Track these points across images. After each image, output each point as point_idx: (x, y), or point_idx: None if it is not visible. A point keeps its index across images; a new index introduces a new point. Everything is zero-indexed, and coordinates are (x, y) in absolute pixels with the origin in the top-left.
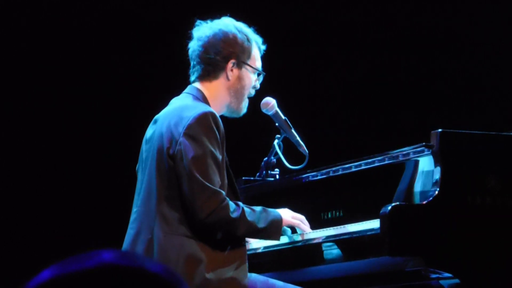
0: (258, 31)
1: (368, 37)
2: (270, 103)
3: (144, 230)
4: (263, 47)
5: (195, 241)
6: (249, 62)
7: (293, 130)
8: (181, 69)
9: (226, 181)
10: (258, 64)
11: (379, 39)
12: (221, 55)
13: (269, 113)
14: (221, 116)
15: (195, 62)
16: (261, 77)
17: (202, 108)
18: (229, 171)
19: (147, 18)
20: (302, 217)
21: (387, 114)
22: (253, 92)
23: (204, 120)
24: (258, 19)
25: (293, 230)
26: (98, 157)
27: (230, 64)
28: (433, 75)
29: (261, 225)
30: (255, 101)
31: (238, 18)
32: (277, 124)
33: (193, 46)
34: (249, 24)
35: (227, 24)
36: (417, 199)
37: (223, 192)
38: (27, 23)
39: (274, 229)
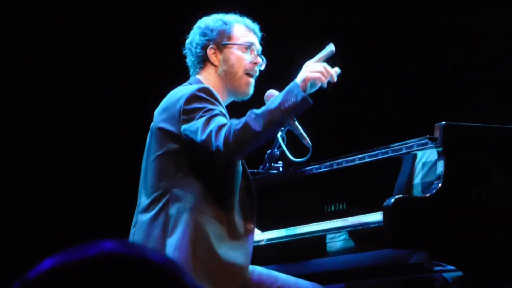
0: (261, 23)
1: (372, 30)
2: (273, 95)
3: (159, 214)
4: (253, 25)
5: (205, 216)
6: (230, 42)
7: (296, 123)
8: (183, 66)
9: None
10: (245, 39)
11: (383, 32)
12: (199, 47)
13: None
14: (231, 104)
15: (189, 64)
16: (255, 51)
17: (196, 85)
18: (245, 170)
19: (158, 11)
20: (320, 67)
21: (391, 107)
22: (253, 68)
23: (198, 93)
24: (261, 13)
25: (297, 223)
26: (101, 152)
27: (210, 51)
28: (436, 67)
29: (275, 104)
30: (259, 94)
31: (241, 13)
32: None
33: (186, 53)
34: (253, 16)
35: (202, 20)
36: (420, 192)
37: (225, 123)
38: (27, 23)
39: (292, 95)
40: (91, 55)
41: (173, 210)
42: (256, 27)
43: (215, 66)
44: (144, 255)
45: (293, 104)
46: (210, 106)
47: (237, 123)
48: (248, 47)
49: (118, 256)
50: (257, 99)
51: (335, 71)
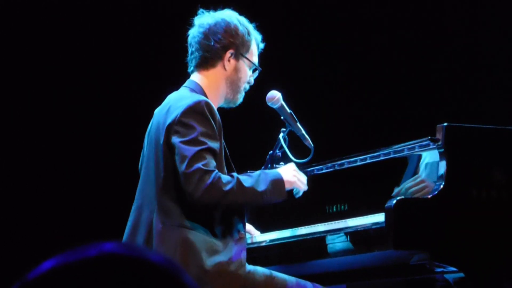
0: (263, 24)
1: (374, 31)
2: (275, 97)
3: (143, 222)
4: (262, 45)
5: (194, 232)
6: (247, 56)
7: (298, 124)
8: (181, 66)
9: (225, 170)
10: (255, 59)
11: (385, 32)
12: (221, 44)
13: (275, 107)
14: (225, 109)
15: (193, 49)
16: (256, 73)
17: (196, 97)
18: (230, 162)
19: (150, 11)
20: (304, 178)
21: (393, 108)
22: (247, 87)
23: (197, 108)
24: (263, 12)
25: (298, 224)
26: (101, 152)
27: (228, 54)
28: (438, 68)
29: (261, 188)
30: (260, 94)
31: (243, 11)
32: (282, 117)
33: (194, 33)
34: (255, 16)
35: (230, 15)
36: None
37: (213, 170)
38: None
39: (276, 189)
40: (90, 54)
41: (158, 223)
42: (261, 46)
43: (225, 70)
44: (143, 256)
45: (273, 199)
46: (204, 130)
47: (225, 182)
48: (255, 68)
49: (118, 257)
50: (258, 99)
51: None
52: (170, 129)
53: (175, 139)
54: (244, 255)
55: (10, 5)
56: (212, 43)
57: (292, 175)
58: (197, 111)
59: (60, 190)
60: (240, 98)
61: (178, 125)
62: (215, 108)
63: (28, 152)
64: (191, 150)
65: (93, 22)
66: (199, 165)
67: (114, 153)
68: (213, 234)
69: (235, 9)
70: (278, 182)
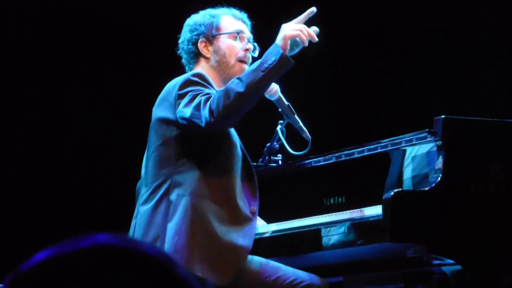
0: (261, 18)
1: (373, 23)
2: (273, 89)
3: (162, 200)
4: (239, 13)
5: (203, 198)
6: (219, 33)
7: (296, 116)
8: (179, 64)
9: (240, 165)
10: (233, 27)
11: (382, 24)
12: (191, 43)
13: (272, 99)
14: None
15: (184, 62)
16: (245, 38)
17: (190, 72)
18: (245, 155)
19: (155, 10)
20: (301, 26)
21: (391, 100)
22: (246, 54)
23: (194, 77)
24: (261, 6)
25: (296, 216)
26: (100, 147)
27: (201, 45)
28: (436, 60)
29: (256, 65)
30: None
31: (241, 8)
32: (280, 109)
33: (180, 53)
34: (252, 12)
35: (191, 17)
36: (419, 185)
37: (204, 96)
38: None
39: (273, 54)
40: (90, 53)
41: (173, 196)
42: (244, 16)
43: (207, 58)
44: (136, 247)
45: (272, 63)
46: (202, 89)
47: (219, 90)
48: (237, 34)
49: (111, 247)
50: None
51: (314, 30)
52: (174, 106)
53: (179, 107)
54: (253, 231)
55: (9, 5)
56: (186, 48)
57: (283, 30)
58: (192, 81)
59: (60, 183)
60: (241, 72)
61: (179, 99)
62: (210, 80)
63: (27, 147)
64: (186, 98)
65: (91, 20)
66: (197, 100)
67: (115, 146)
68: (224, 205)
69: (230, 5)
70: (271, 49)
